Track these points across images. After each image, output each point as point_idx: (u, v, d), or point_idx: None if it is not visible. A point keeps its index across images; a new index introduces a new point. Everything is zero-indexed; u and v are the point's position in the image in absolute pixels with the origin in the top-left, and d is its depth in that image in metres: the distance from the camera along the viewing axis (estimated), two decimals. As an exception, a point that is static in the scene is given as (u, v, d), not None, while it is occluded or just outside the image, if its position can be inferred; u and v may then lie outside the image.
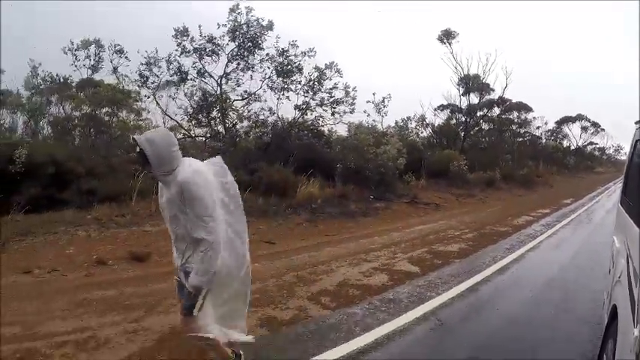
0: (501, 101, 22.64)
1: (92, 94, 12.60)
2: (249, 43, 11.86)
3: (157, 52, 11.81)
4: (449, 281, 5.06)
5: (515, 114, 27.07)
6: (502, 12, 52.91)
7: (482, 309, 4.33)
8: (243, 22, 11.73)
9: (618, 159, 44.69)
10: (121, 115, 13.09)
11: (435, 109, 21.68)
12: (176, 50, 11.81)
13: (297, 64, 12.23)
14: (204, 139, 12.96)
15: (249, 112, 12.78)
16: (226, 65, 12.24)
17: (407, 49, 47.81)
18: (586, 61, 57.40)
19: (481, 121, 22.10)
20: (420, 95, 40.34)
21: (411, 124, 19.50)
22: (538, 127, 32.13)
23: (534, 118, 29.64)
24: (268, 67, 12.35)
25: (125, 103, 13.00)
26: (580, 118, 37.53)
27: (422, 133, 20.05)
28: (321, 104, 12.76)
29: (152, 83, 12.14)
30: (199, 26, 11.86)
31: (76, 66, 13.53)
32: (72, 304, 4.08)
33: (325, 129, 13.52)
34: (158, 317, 3.82)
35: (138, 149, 2.35)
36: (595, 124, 38.18)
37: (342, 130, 13.74)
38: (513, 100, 24.80)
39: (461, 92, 20.74)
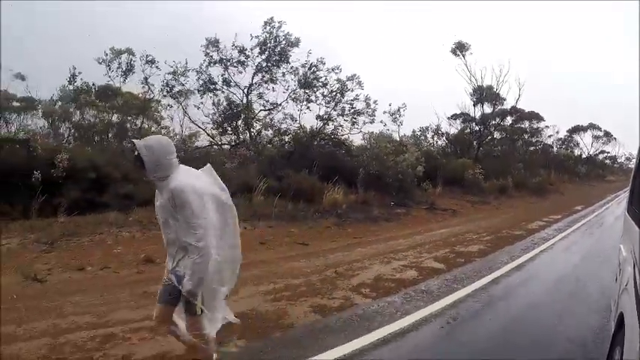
0: (514, 111, 23.17)
1: (122, 103, 13.36)
2: (277, 57, 12.63)
3: (186, 62, 12.64)
4: (472, 276, 5.69)
5: (527, 123, 27.54)
6: (502, 12, 53.12)
7: (503, 298, 4.97)
8: (274, 35, 12.51)
9: (630, 167, 44.61)
10: (144, 123, 13.67)
11: (449, 118, 22.38)
12: (204, 60, 12.64)
13: (323, 78, 13.00)
14: (228, 146, 13.69)
15: (271, 120, 13.57)
16: (253, 76, 13.06)
17: (419, 55, 48.15)
18: (586, 61, 57.46)
19: (494, 130, 22.62)
20: (433, 101, 40.75)
21: (427, 133, 20.15)
22: (550, 136, 32.55)
23: (547, 126, 30.10)
24: (292, 80, 13.16)
25: (151, 111, 13.78)
26: (592, 127, 37.80)
27: (438, 142, 20.67)
28: (342, 114, 13.50)
29: (178, 93, 12.98)
30: (235, 35, 12.70)
31: (109, 76, 14.16)
32: (135, 296, 4.47)
33: (344, 138, 14.23)
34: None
35: (136, 153, 2.44)
36: (607, 134, 38.41)
37: (357, 139, 14.43)
38: (525, 110, 25.32)
39: (474, 102, 21.33)
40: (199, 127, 13.56)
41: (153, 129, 13.68)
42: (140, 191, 8.46)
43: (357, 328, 3.83)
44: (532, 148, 28.68)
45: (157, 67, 13.40)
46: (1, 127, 12.22)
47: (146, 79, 13.23)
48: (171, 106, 13.47)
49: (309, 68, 12.81)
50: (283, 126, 13.65)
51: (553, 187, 23.15)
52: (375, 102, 13.44)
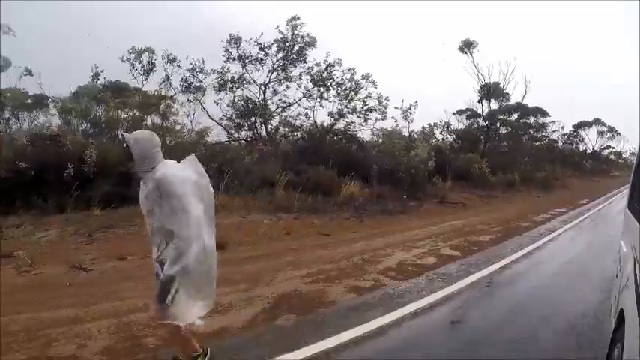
0: (520, 107, 23.65)
1: (140, 101, 13.77)
2: (294, 56, 13.18)
3: (203, 61, 13.26)
4: (486, 261, 6.28)
5: (532, 119, 27.91)
6: (502, 12, 53.12)
7: (515, 280, 5.58)
8: (294, 34, 13.07)
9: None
10: (155, 120, 13.85)
11: (454, 114, 22.95)
12: (223, 56, 13.25)
13: (339, 78, 13.56)
14: (245, 142, 14.25)
15: (286, 117, 14.17)
16: (269, 73, 13.66)
17: (428, 50, 48.29)
18: (585, 61, 57.30)
19: (500, 125, 23.11)
20: (441, 98, 41.04)
21: (437, 129, 20.72)
22: (554, 132, 32.90)
23: (553, 122, 30.44)
24: (307, 80, 13.73)
25: (169, 108, 14.21)
26: (596, 122, 38.07)
27: (447, 138, 21.23)
28: (354, 111, 14.07)
29: (195, 89, 13.56)
30: (261, 33, 13.25)
31: (133, 74, 14.48)
32: (182, 280, 5.11)
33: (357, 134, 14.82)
34: (264, 288, 4.83)
35: (125, 145, 2.56)
36: (611, 129, 38.69)
37: (367, 136, 15.04)
38: (530, 106, 25.71)
39: (481, 98, 21.86)
40: (218, 122, 14.13)
41: (169, 125, 13.95)
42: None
43: (390, 304, 4.42)
44: (537, 144, 29.02)
45: (178, 65, 14.03)
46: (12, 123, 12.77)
47: (168, 77, 13.84)
48: (190, 101, 13.97)
49: (326, 68, 13.33)
50: (297, 122, 14.27)
51: (558, 182, 23.65)
52: (386, 98, 14.04)
